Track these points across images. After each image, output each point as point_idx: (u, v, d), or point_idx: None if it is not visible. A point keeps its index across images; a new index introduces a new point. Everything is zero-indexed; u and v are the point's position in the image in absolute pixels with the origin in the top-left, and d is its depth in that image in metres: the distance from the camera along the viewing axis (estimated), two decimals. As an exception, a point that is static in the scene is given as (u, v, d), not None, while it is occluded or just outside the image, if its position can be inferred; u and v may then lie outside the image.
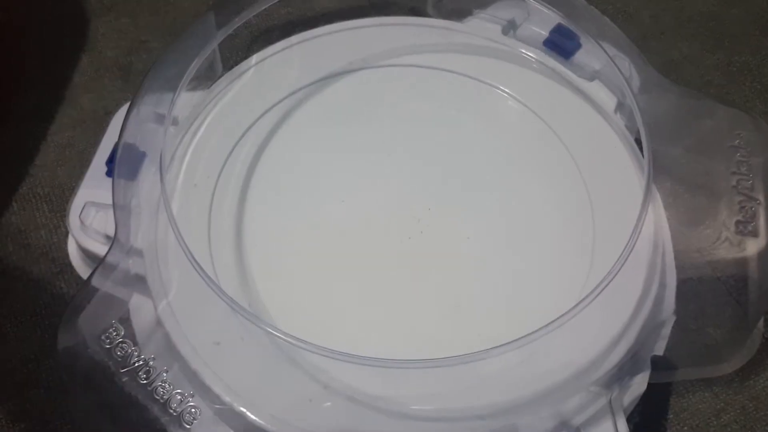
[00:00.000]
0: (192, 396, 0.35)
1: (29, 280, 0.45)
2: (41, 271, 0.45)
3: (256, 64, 0.46)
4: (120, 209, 0.38)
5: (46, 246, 0.46)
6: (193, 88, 0.44)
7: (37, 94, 0.52)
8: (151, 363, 0.36)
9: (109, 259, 0.37)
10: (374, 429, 0.35)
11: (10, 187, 0.48)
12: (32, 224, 0.47)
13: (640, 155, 0.42)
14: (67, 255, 0.45)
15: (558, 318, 0.34)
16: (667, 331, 0.39)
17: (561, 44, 0.45)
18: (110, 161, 0.41)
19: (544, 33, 0.46)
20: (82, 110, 0.51)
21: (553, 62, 0.46)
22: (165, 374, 0.36)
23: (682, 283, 0.40)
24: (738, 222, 0.40)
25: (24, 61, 0.53)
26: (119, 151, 0.40)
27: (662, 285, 0.39)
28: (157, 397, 0.35)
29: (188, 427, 0.35)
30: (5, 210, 0.47)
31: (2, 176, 0.48)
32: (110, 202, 0.39)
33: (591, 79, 0.45)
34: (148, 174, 0.40)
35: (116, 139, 0.40)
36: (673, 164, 0.42)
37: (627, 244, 0.35)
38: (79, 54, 0.54)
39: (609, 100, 0.44)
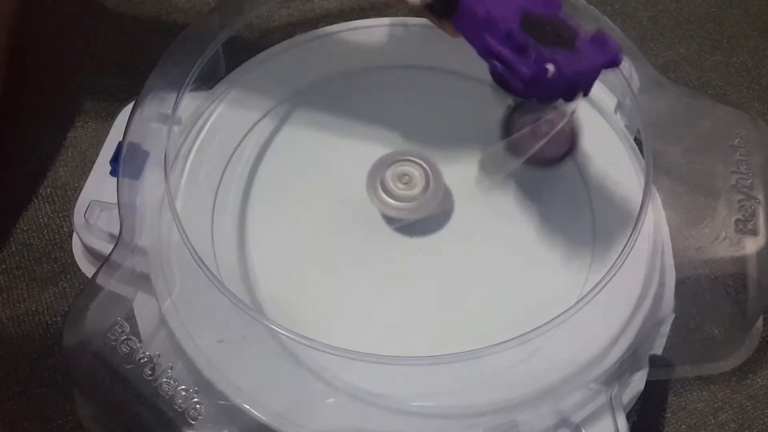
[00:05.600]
0: (196, 392, 0.36)
1: (31, 280, 0.45)
2: (43, 271, 0.45)
3: (259, 64, 0.46)
4: (124, 208, 0.39)
5: (49, 246, 0.46)
6: (197, 89, 0.44)
7: (39, 95, 0.52)
8: (156, 360, 0.36)
9: (114, 257, 0.38)
10: (376, 426, 0.35)
11: (13, 188, 0.48)
12: (35, 224, 0.47)
13: (640, 154, 0.42)
14: (69, 255, 0.45)
15: (558, 316, 0.34)
16: (666, 329, 0.39)
17: (561, 45, 0.46)
18: (114, 160, 0.41)
19: (545, 33, 0.46)
20: (84, 111, 0.51)
21: (553, 63, 0.46)
22: (170, 371, 0.36)
23: (681, 282, 0.40)
24: (737, 220, 0.40)
25: (26, 63, 0.53)
26: (123, 151, 0.40)
27: (661, 284, 0.39)
28: (163, 394, 0.35)
29: (192, 423, 0.35)
30: (8, 210, 0.47)
31: (4, 177, 0.48)
32: (114, 201, 0.39)
33: (591, 79, 0.45)
34: (151, 173, 0.40)
35: (120, 139, 0.41)
36: (672, 163, 0.42)
37: (627, 243, 0.36)
38: (81, 55, 0.54)
39: (609, 100, 0.45)
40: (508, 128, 0.39)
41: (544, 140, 0.37)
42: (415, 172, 0.40)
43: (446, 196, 0.41)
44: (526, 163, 0.38)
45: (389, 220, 0.41)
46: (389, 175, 0.40)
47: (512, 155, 0.38)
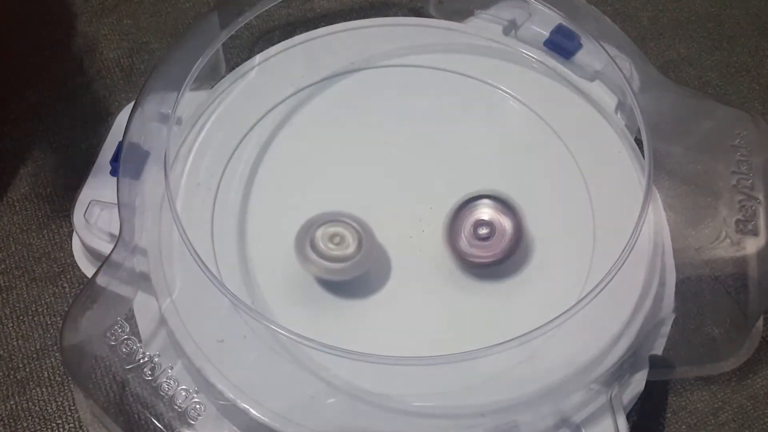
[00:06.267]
0: (196, 392, 0.36)
1: (31, 280, 0.45)
2: (43, 271, 0.45)
3: (259, 64, 0.46)
4: (124, 208, 0.39)
5: (48, 246, 0.46)
6: (197, 88, 0.44)
7: (39, 95, 0.52)
8: (156, 360, 0.36)
9: (114, 257, 0.38)
10: (376, 426, 0.35)
11: (13, 187, 0.48)
12: (34, 224, 0.47)
13: (641, 155, 0.42)
14: (69, 255, 0.45)
15: (558, 316, 0.34)
16: (666, 329, 0.39)
17: (562, 44, 0.46)
18: (114, 160, 0.41)
19: (545, 33, 0.46)
20: (83, 111, 0.51)
21: (554, 62, 0.46)
22: (170, 371, 0.36)
23: (681, 282, 0.40)
24: (738, 221, 0.40)
25: (26, 62, 0.53)
26: (123, 150, 0.40)
27: (662, 284, 0.39)
28: (162, 394, 0.35)
29: (193, 423, 0.35)
30: (7, 210, 0.47)
31: (4, 176, 0.48)
32: (114, 200, 0.39)
33: (592, 79, 0.45)
34: (152, 173, 0.40)
35: (120, 139, 0.41)
36: (673, 164, 0.42)
37: (627, 243, 0.36)
38: (80, 55, 0.54)
39: (609, 100, 0.45)
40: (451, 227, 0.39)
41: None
42: (347, 233, 0.39)
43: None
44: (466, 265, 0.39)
45: (391, 221, 0.41)
46: (319, 236, 0.39)
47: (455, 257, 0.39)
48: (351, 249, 0.38)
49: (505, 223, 0.39)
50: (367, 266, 0.39)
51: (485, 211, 0.39)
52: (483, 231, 0.39)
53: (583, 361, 0.37)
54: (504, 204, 0.39)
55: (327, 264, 0.38)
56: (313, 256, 0.38)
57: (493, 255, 0.38)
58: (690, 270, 0.40)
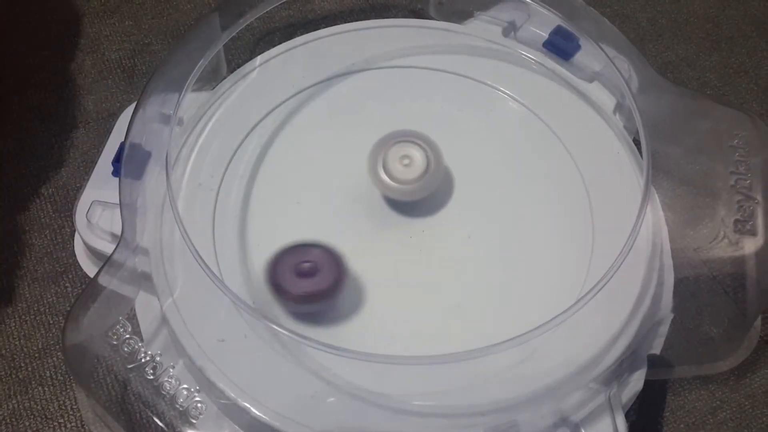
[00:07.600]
0: (198, 392, 0.36)
1: (33, 280, 0.45)
2: (45, 271, 0.45)
3: (260, 65, 0.46)
4: (126, 208, 0.39)
5: (50, 246, 0.46)
6: (198, 89, 0.44)
7: (40, 95, 0.52)
8: (157, 359, 0.36)
9: (116, 257, 0.38)
10: (376, 425, 0.35)
11: (15, 188, 0.48)
12: (36, 224, 0.47)
13: (639, 155, 0.42)
14: (71, 255, 0.45)
15: (557, 316, 0.34)
16: (665, 329, 0.39)
17: (561, 45, 0.46)
18: (116, 161, 0.41)
19: (544, 34, 0.46)
20: (85, 112, 0.51)
21: (553, 63, 0.46)
22: (171, 370, 0.36)
23: (679, 282, 0.40)
24: (736, 221, 0.40)
25: (27, 62, 0.53)
26: (125, 151, 0.40)
27: (660, 284, 0.40)
28: (164, 393, 0.36)
29: (194, 422, 0.35)
30: (9, 210, 0.47)
31: (6, 177, 0.49)
32: (116, 201, 0.39)
33: (590, 80, 0.45)
34: (153, 173, 0.40)
35: (122, 140, 0.41)
36: (671, 164, 0.42)
37: (626, 244, 0.36)
38: (82, 56, 0.54)
39: (608, 101, 0.45)
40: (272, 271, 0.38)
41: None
42: (416, 153, 0.41)
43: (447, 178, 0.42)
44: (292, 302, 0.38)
45: (392, 219, 0.41)
46: (390, 156, 0.41)
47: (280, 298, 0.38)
48: (416, 173, 0.40)
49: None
50: (434, 188, 0.41)
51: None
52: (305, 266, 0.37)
53: (582, 360, 0.37)
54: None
55: (391, 183, 0.40)
56: (382, 172, 0.40)
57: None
58: (688, 270, 0.40)
